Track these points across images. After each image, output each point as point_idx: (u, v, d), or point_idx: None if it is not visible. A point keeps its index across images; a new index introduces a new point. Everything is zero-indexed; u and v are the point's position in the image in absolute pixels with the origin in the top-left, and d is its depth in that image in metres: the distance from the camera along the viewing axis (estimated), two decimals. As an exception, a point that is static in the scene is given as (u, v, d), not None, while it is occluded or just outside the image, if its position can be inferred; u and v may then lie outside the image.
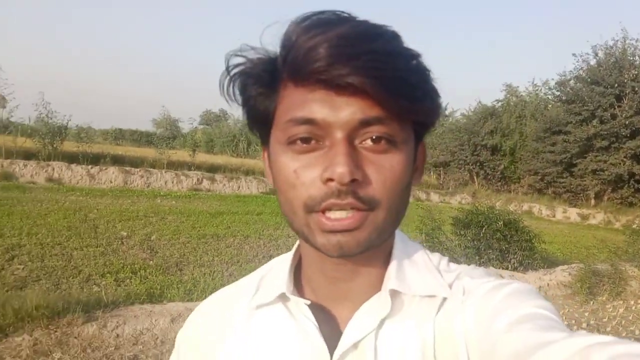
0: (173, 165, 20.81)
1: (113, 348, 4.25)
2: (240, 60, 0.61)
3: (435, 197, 25.72)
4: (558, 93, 31.74)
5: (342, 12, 0.57)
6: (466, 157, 33.71)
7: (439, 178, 33.42)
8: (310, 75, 0.54)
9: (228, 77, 0.62)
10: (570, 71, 30.20)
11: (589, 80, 28.25)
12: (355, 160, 0.55)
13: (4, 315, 4.22)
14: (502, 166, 33.32)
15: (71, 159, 18.08)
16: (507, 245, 8.07)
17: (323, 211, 0.56)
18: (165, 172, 19.14)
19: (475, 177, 33.57)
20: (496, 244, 8.02)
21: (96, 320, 4.51)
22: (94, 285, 6.01)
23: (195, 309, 0.79)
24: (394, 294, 0.63)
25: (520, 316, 0.54)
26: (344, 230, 0.56)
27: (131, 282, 6.27)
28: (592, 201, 27.44)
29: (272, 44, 0.59)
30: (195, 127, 48.84)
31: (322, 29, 0.53)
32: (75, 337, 4.28)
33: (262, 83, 0.61)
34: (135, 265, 7.04)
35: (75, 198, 13.67)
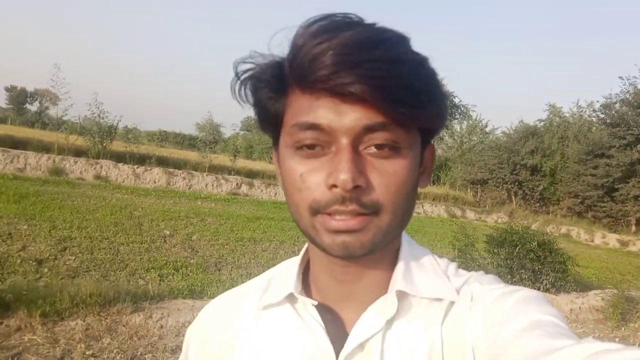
0: (214, 169, 21.37)
1: (157, 338, 4.57)
2: (249, 66, 0.63)
3: (471, 214, 25.52)
4: (602, 115, 31.14)
5: (350, 15, 0.58)
6: (505, 175, 33.26)
7: (476, 195, 33.09)
8: (315, 84, 0.56)
9: (239, 82, 0.64)
10: (617, 94, 29.67)
11: (635, 104, 27.68)
12: (359, 167, 0.57)
13: (60, 301, 4.61)
14: (542, 187, 32.73)
15: (118, 158, 18.83)
16: (540, 266, 8.07)
17: (329, 214, 0.58)
18: (206, 175, 19.70)
19: (513, 197, 33.10)
20: (529, 264, 8.03)
21: (143, 310, 4.86)
22: (139, 279, 6.38)
23: (206, 306, 0.81)
24: (401, 295, 0.64)
25: (529, 323, 0.55)
26: (349, 230, 0.57)
27: (173, 278, 6.63)
28: (633, 227, 26.70)
29: (282, 46, 0.61)
30: (237, 133, 49.75)
31: (327, 35, 0.54)
32: (124, 325, 4.62)
33: (271, 88, 0.62)
34: (178, 263, 7.41)
35: (121, 196, 14.28)
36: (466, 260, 7.88)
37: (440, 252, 9.35)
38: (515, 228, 8.54)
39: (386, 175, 0.58)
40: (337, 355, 0.63)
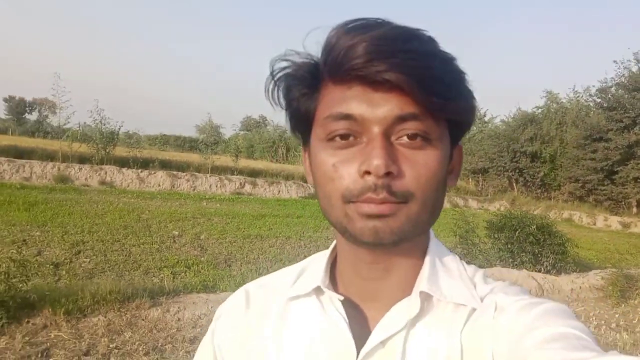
0: (217, 170, 21.64)
1: (175, 330, 4.80)
2: (285, 64, 0.65)
3: (473, 203, 25.70)
4: (599, 100, 31.39)
5: (381, 18, 0.60)
6: (505, 163, 33.48)
7: (478, 184, 33.31)
8: (348, 72, 0.57)
9: (272, 82, 0.66)
10: (612, 78, 29.98)
11: (630, 87, 27.92)
12: (391, 155, 0.57)
13: (82, 299, 4.84)
14: (542, 173, 32.96)
15: (122, 163, 19.15)
16: (540, 249, 8.31)
17: (360, 201, 0.59)
18: (209, 176, 19.97)
19: (514, 184, 33.32)
20: (529, 247, 8.28)
21: (160, 305, 5.09)
22: (153, 277, 6.63)
23: (241, 288, 0.81)
24: (425, 297, 0.64)
25: (551, 335, 0.54)
26: (380, 214, 0.58)
27: (186, 275, 6.87)
28: (634, 209, 26.95)
29: (316, 50, 0.63)
30: (237, 133, 50.06)
31: (361, 30, 0.56)
32: (143, 319, 4.86)
33: (305, 84, 0.64)
34: (189, 261, 7.66)
35: (127, 200, 14.53)
36: (467, 245, 8.12)
37: (443, 241, 9.47)
38: (514, 213, 8.78)
39: (417, 165, 0.59)
40: (358, 352, 0.64)
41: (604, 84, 30.24)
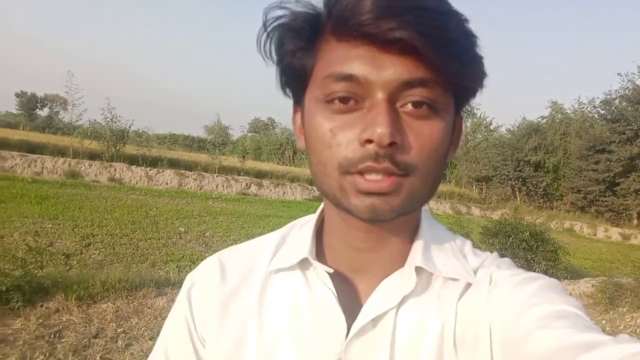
0: (224, 170, 22.00)
1: (179, 318, 5.11)
2: (280, 12, 0.59)
3: (476, 211, 25.93)
4: (603, 112, 31.46)
5: None
6: (509, 172, 33.65)
7: (481, 192, 33.53)
8: (355, 29, 0.52)
9: (265, 32, 0.60)
10: (616, 90, 30.00)
11: (634, 100, 28.06)
12: (396, 123, 0.53)
13: (92, 286, 5.16)
14: (545, 183, 33.09)
15: (131, 160, 19.55)
16: (532, 255, 8.57)
17: (359, 173, 0.55)
18: (216, 176, 20.32)
19: (517, 193, 33.49)
20: (522, 253, 8.54)
21: (165, 295, 5.41)
22: (159, 270, 6.95)
23: (213, 256, 0.76)
24: (418, 271, 0.62)
25: (553, 312, 0.53)
26: (379, 192, 0.54)
27: (190, 268, 7.06)
28: (635, 221, 27.05)
29: (317, 2, 0.58)
30: (245, 135, 50.51)
31: None
32: (149, 308, 5.16)
33: (303, 37, 0.59)
34: (194, 256, 7.98)
35: (136, 197, 14.89)
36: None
37: (433, 216, 9.79)
38: (508, 219, 9.05)
39: (421, 136, 0.55)
40: (348, 327, 0.61)
41: (608, 96, 30.36)
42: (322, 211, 0.71)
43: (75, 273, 5.98)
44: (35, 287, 4.91)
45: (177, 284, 5.71)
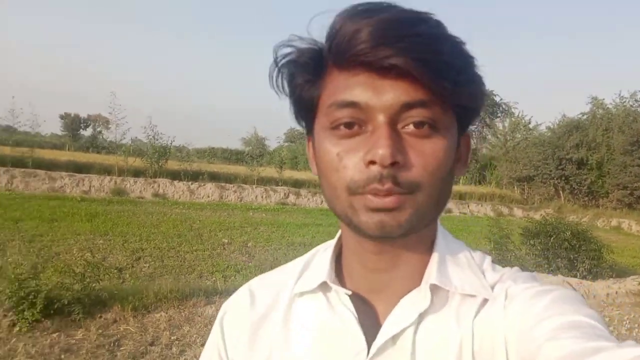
0: (262, 181, 22.44)
1: (228, 325, 5.35)
2: (288, 50, 0.63)
3: (518, 212, 25.53)
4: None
5: (388, 2, 0.58)
6: (551, 171, 32.88)
7: (523, 193, 32.95)
8: (353, 58, 0.55)
9: (276, 69, 0.64)
10: (660, 82, 29.14)
11: (677, 91, 27.17)
12: (397, 144, 0.56)
13: (146, 297, 5.47)
14: (589, 180, 32.20)
15: (173, 176, 20.16)
16: (575, 254, 8.50)
17: (366, 193, 0.57)
18: (255, 187, 20.77)
19: (560, 192, 32.76)
20: (564, 252, 8.48)
21: (214, 303, 5.67)
22: (206, 280, 7.23)
23: (244, 286, 0.80)
24: (434, 289, 0.63)
25: (565, 323, 0.53)
26: (386, 208, 0.56)
27: (235, 278, 7.46)
28: (686, 216, 26.07)
29: (322, 35, 0.61)
30: (281, 145, 51.07)
31: (366, 14, 0.55)
32: (199, 316, 5.42)
33: (309, 71, 0.62)
34: (238, 266, 8.29)
35: (179, 211, 15.40)
36: (502, 251, 8.39)
37: (484, 249, 9.84)
38: (548, 219, 8.99)
39: (424, 155, 0.57)
40: (368, 347, 0.63)
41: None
42: (341, 236, 0.73)
43: (129, 285, 6.32)
44: (93, 300, 5.24)
45: (225, 293, 5.96)
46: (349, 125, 0.58)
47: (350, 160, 0.58)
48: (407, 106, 0.56)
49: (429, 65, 0.53)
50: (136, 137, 22.79)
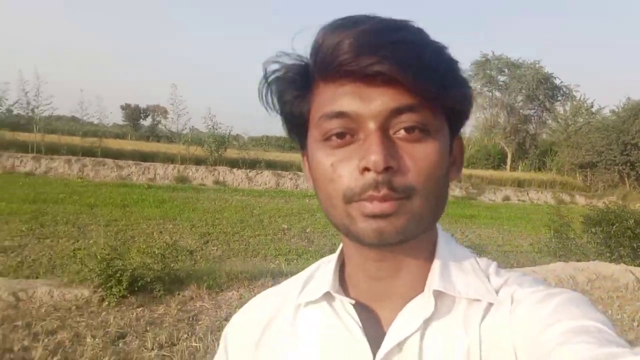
0: (318, 168, 22.79)
1: (294, 304, 5.73)
2: (275, 66, 0.64)
3: (581, 199, 24.80)
4: None
5: (369, 14, 0.58)
6: (615, 157, 31.61)
7: (586, 179, 31.89)
8: (338, 69, 0.56)
9: (266, 85, 0.65)
10: None
11: None
12: (390, 149, 0.56)
13: (219, 277, 5.91)
14: (657, 166, 30.94)
15: (232, 164, 20.89)
16: (638, 243, 8.38)
17: (362, 200, 0.57)
18: (311, 174, 21.17)
19: (626, 179, 31.53)
20: (627, 241, 8.36)
21: (280, 284, 6.06)
22: (270, 264, 7.66)
23: (242, 307, 0.80)
24: (438, 294, 0.63)
25: (574, 327, 0.53)
26: (383, 214, 0.56)
27: (297, 261, 7.87)
28: None
29: (307, 53, 0.61)
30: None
31: (347, 27, 0.55)
32: (267, 295, 5.83)
33: (297, 86, 0.63)
34: (299, 250, 8.72)
35: (239, 197, 16.08)
36: (562, 239, 8.38)
37: (545, 237, 9.89)
38: (610, 207, 8.88)
39: (417, 158, 0.57)
40: (374, 355, 0.63)
41: None
42: (343, 247, 0.73)
43: (202, 267, 6.80)
44: (172, 279, 5.71)
45: (288, 274, 6.18)
46: (340, 135, 0.59)
47: (344, 169, 0.58)
48: (396, 112, 0.56)
49: (413, 70, 0.54)
50: (193, 127, 23.52)
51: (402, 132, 0.57)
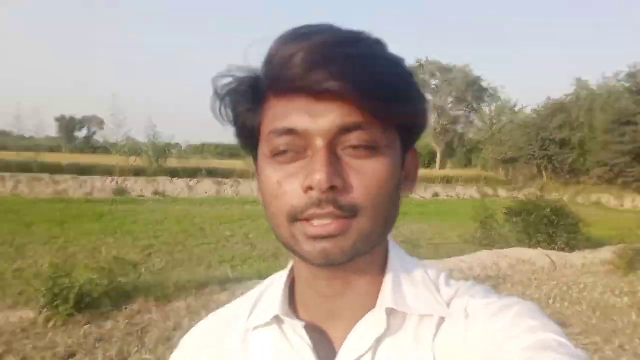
0: (258, 174, 23.03)
1: (241, 309, 5.99)
2: (228, 80, 0.62)
3: (503, 192, 26.30)
4: (628, 85, 31.56)
5: (328, 24, 0.57)
6: (534, 152, 33.89)
7: (508, 174, 33.87)
8: (288, 84, 0.54)
9: (218, 99, 0.63)
10: (641, 62, 30.08)
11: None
12: (336, 167, 0.54)
13: (166, 288, 6.08)
14: (571, 159, 33.26)
15: (172, 173, 20.80)
16: (554, 229, 9.22)
17: (307, 220, 0.55)
18: (252, 181, 21.35)
19: (543, 172, 33.72)
20: (544, 228, 9.20)
21: (227, 290, 6.27)
22: (216, 271, 7.85)
23: (189, 332, 0.78)
24: (390, 312, 0.62)
25: (535, 343, 0.53)
26: (329, 235, 0.55)
27: (242, 267, 8.12)
28: (663, 190, 27.08)
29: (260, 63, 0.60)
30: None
31: (300, 39, 0.54)
32: (215, 302, 5.99)
33: (248, 99, 0.61)
34: (243, 256, 8.97)
35: (180, 207, 16.04)
36: (486, 229, 9.10)
37: (471, 228, 10.75)
38: (530, 198, 9.72)
39: (364, 175, 0.55)
40: None
41: (633, 69, 30.58)
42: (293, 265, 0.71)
43: (148, 279, 6.93)
44: (120, 293, 5.79)
45: (235, 280, 6.62)
46: (287, 152, 0.57)
47: (289, 187, 0.56)
48: (345, 129, 0.55)
49: (364, 87, 0.52)
50: (129, 137, 23.18)
51: (350, 149, 0.56)
